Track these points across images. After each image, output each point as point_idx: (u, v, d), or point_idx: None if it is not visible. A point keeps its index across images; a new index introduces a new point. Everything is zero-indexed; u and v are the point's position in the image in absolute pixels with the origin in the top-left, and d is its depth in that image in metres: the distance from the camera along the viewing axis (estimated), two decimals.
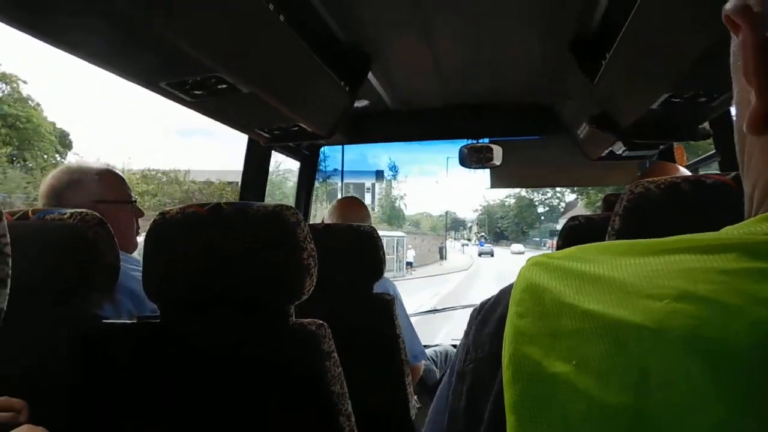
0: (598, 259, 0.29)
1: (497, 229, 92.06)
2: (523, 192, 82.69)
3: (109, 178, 1.56)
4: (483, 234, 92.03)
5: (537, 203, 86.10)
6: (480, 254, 52.77)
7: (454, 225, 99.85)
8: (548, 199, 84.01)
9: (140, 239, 1.57)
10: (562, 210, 76.51)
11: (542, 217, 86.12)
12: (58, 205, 1.42)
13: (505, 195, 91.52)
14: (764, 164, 0.32)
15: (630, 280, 0.27)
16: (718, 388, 0.22)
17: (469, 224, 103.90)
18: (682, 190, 0.76)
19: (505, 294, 0.39)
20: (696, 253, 0.27)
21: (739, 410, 0.22)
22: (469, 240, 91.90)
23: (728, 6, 0.32)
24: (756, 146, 0.32)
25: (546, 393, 0.27)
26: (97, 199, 1.49)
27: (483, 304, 0.42)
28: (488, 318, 0.39)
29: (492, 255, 52.60)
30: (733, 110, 0.35)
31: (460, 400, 0.38)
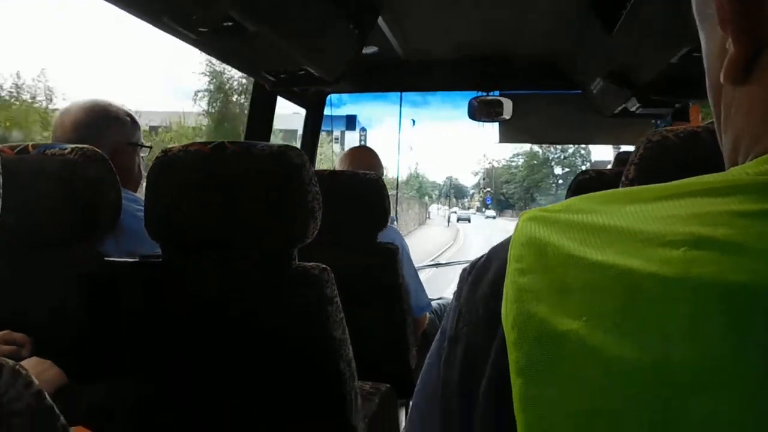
0: (601, 209, 0.28)
1: (502, 196, 75.07)
2: (536, 148, 63.11)
3: (134, 119, 1.55)
4: (484, 200, 77.99)
5: (553, 162, 67.48)
6: (458, 220, 51.49)
7: (454, 192, 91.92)
8: (568, 157, 65.21)
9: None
10: None
11: (560, 181, 65.98)
12: (89, 140, 1.35)
13: (513, 153, 73.51)
14: (746, 114, 0.30)
15: (640, 227, 0.25)
16: (751, 338, 0.21)
17: (471, 191, 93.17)
18: (702, 139, 0.73)
19: (497, 252, 0.37)
20: (709, 196, 0.25)
21: None
22: (469, 209, 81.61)
23: None
24: (735, 97, 0.31)
25: (556, 353, 0.25)
26: (129, 141, 1.48)
27: (474, 264, 0.39)
28: (481, 278, 0.37)
29: (469, 221, 51.95)
30: None
31: (453, 367, 0.36)
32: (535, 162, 69.69)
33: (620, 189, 0.28)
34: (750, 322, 0.21)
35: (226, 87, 20.29)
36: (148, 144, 1.61)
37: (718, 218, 0.23)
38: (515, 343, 0.27)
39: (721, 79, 0.29)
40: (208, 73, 19.95)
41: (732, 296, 0.21)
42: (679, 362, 0.22)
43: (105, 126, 1.44)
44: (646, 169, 0.76)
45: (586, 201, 0.29)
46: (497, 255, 0.36)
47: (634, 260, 0.24)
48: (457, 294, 0.39)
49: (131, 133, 1.51)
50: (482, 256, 0.39)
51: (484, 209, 72.86)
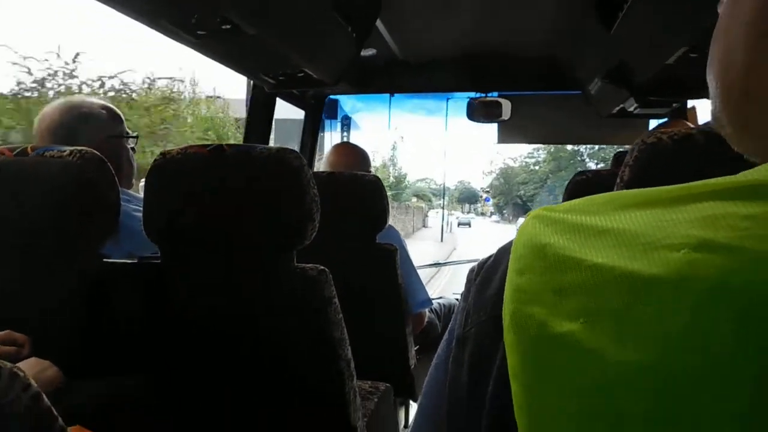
0: (604, 211, 0.28)
1: (518, 199, 63.00)
2: None
3: (113, 112, 1.54)
4: (496, 204, 69.95)
5: (586, 156, 50.15)
6: (459, 224, 49.12)
7: (465, 196, 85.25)
8: (605, 147, 43.59)
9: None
10: None
11: None
12: (66, 140, 1.37)
13: (533, 147, 56.45)
14: None
15: (642, 230, 0.25)
16: (749, 341, 0.21)
17: (482, 195, 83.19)
18: (696, 141, 0.74)
19: (505, 252, 0.37)
20: (714, 199, 0.25)
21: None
22: (482, 214, 76.05)
23: None
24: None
25: (553, 354, 0.25)
26: (108, 134, 1.47)
27: (482, 264, 0.39)
28: (489, 278, 0.37)
29: (469, 225, 49.25)
30: None
31: (461, 368, 0.36)
32: (563, 155, 53.99)
33: (625, 191, 0.28)
34: (749, 324, 0.21)
35: None
36: (133, 133, 1.60)
37: (720, 221, 0.23)
38: (512, 345, 0.28)
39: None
40: None
41: (732, 298, 0.21)
42: (679, 364, 0.22)
43: (79, 124, 1.44)
44: (641, 170, 0.76)
45: (590, 203, 0.29)
46: (504, 255, 0.36)
47: (636, 263, 0.24)
48: (465, 294, 0.39)
49: (109, 126, 1.50)
50: (490, 256, 0.39)
51: (492, 214, 68.88)
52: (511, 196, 65.83)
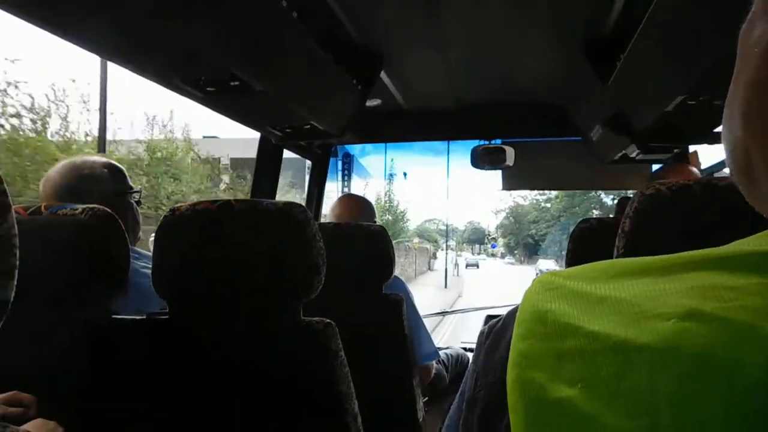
0: (603, 279, 0.29)
1: (530, 239, 59.65)
2: None
3: (115, 169, 1.58)
4: (506, 243, 67.34)
5: (602, 192, 41.14)
6: (467, 266, 46.80)
7: (476, 237, 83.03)
8: None
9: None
10: None
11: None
12: (70, 201, 1.42)
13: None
14: None
15: (637, 300, 0.26)
16: (732, 408, 0.21)
17: (493, 235, 79.16)
18: (693, 192, 0.75)
19: (512, 316, 0.38)
20: (705, 269, 0.26)
21: (755, 430, 0.21)
22: (492, 255, 72.57)
23: None
24: None
25: (552, 419, 0.26)
26: (108, 191, 1.50)
27: (491, 327, 0.40)
28: (498, 342, 0.38)
29: (477, 267, 47.66)
30: None
31: (471, 429, 0.37)
32: (576, 191, 46.22)
33: (625, 260, 0.29)
34: (734, 392, 0.21)
35: None
36: (135, 188, 1.62)
37: (709, 291, 0.24)
38: (514, 408, 0.28)
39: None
40: None
41: (717, 367, 0.22)
42: (667, 430, 0.22)
43: (81, 185, 1.47)
44: (641, 221, 0.77)
45: (591, 269, 0.30)
46: (512, 318, 0.37)
47: (630, 331, 0.25)
48: (475, 357, 0.40)
49: (111, 184, 1.53)
50: (498, 320, 0.40)
51: (503, 255, 66.49)
52: (522, 236, 62.38)
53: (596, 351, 0.26)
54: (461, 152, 2.77)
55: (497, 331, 0.39)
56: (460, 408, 0.40)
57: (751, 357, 0.22)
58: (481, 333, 0.41)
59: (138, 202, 1.64)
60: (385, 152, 2.98)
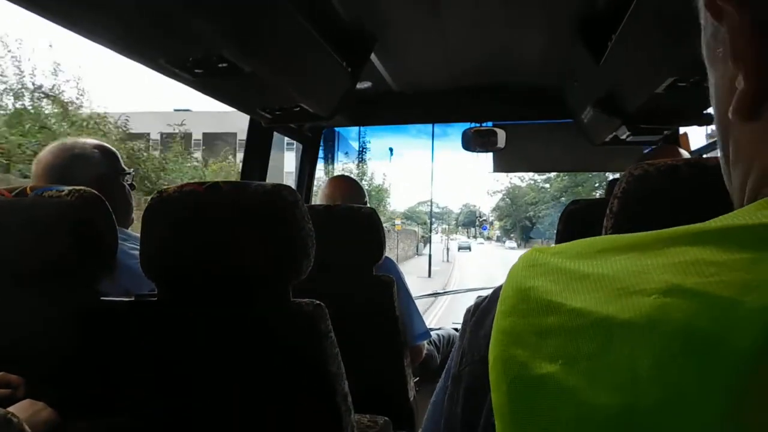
0: (587, 255, 0.29)
1: (527, 221, 56.59)
2: None
3: (107, 151, 1.57)
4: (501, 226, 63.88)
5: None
6: (459, 249, 47.14)
7: (470, 220, 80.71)
8: None
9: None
10: None
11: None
12: (60, 181, 1.41)
13: None
14: (756, 151, 0.31)
15: (620, 276, 0.26)
16: (713, 383, 0.21)
17: (485, 217, 76.43)
18: (681, 172, 0.75)
19: (498, 293, 0.38)
20: (687, 244, 0.26)
21: (737, 405, 0.21)
22: (488, 238, 70.86)
23: None
24: (744, 133, 0.31)
25: (534, 395, 0.26)
26: (100, 173, 1.49)
27: (477, 305, 0.41)
28: (483, 319, 0.38)
29: (469, 249, 47.41)
30: None
31: (456, 405, 0.37)
32: None
33: (609, 236, 0.29)
34: (713, 366, 0.22)
35: None
36: (129, 170, 1.62)
37: (690, 267, 0.24)
38: (496, 385, 0.28)
39: (730, 115, 0.30)
40: None
41: (696, 342, 0.22)
42: (647, 406, 0.22)
43: (69, 166, 1.48)
44: (629, 202, 0.77)
45: (576, 246, 0.30)
46: (498, 296, 0.38)
47: (611, 307, 0.25)
48: (461, 334, 0.40)
49: (102, 165, 1.52)
50: (485, 298, 0.40)
51: (505, 239, 63.07)
52: (519, 218, 59.54)
53: (578, 327, 0.26)
54: (455, 135, 2.76)
55: (483, 309, 0.40)
56: (446, 384, 0.40)
57: (733, 332, 0.22)
58: (468, 310, 0.42)
59: (132, 185, 1.63)
60: (366, 133, 2.95)
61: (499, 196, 64.46)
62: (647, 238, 0.28)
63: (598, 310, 0.25)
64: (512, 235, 61.93)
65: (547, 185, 51.13)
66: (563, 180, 46.28)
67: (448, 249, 35.40)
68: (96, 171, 1.49)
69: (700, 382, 0.22)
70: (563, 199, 42.46)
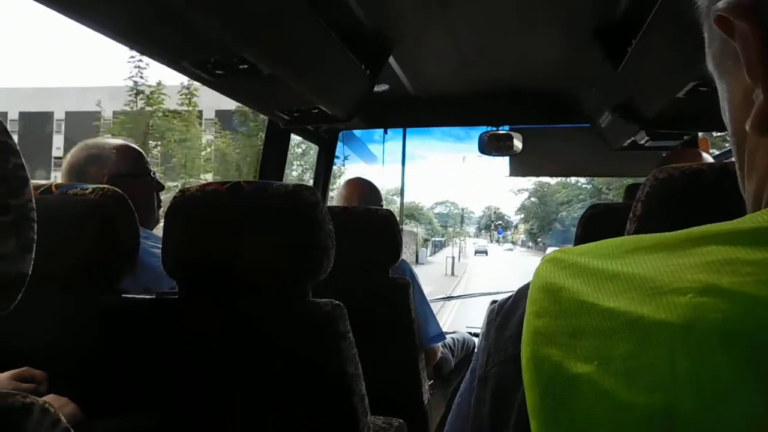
0: (615, 255, 0.29)
1: (558, 225, 49.85)
2: None
3: (126, 151, 1.58)
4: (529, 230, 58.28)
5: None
6: (476, 253, 45.97)
7: (491, 222, 76.46)
8: None
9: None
10: None
11: None
12: (77, 180, 1.45)
13: None
14: None
15: (651, 275, 0.26)
16: (752, 383, 0.21)
17: (501, 220, 72.74)
18: (706, 176, 0.75)
19: (523, 293, 0.37)
20: (719, 244, 0.26)
21: None
22: (513, 243, 65.41)
23: (721, 5, 0.30)
24: (761, 146, 0.31)
25: (568, 395, 0.26)
26: (114, 173, 1.51)
27: (501, 305, 0.41)
28: (508, 319, 0.38)
29: (486, 254, 45.30)
30: None
31: (483, 406, 0.37)
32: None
33: (636, 236, 0.29)
34: (752, 367, 0.22)
35: None
36: (152, 170, 1.63)
37: (724, 266, 0.24)
38: (530, 385, 0.28)
39: (748, 128, 0.30)
40: None
41: (735, 342, 0.22)
42: (685, 406, 0.22)
43: (84, 165, 1.52)
44: (653, 206, 0.77)
45: (602, 246, 0.30)
46: (522, 296, 0.37)
47: (645, 307, 0.25)
48: (486, 334, 0.40)
49: (116, 165, 1.54)
50: (509, 297, 0.40)
51: (524, 243, 58.58)
52: (548, 221, 53.92)
53: (612, 328, 0.26)
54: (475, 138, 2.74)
55: (507, 309, 0.40)
56: (471, 385, 0.40)
57: None
58: (491, 310, 0.41)
59: (158, 186, 1.64)
60: (389, 137, 2.96)
61: (525, 194, 58.84)
62: (675, 238, 0.28)
63: (632, 310, 0.25)
64: (539, 240, 56.35)
65: (582, 181, 44.56)
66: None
67: (453, 258, 27.41)
68: (109, 171, 1.51)
69: (738, 382, 0.22)
70: (611, 193, 32.60)
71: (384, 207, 2.13)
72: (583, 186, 44.17)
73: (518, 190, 60.47)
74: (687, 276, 0.25)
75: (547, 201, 54.56)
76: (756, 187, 0.32)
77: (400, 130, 2.93)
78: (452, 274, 24.18)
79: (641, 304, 0.25)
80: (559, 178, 46.83)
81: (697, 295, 0.24)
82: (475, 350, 0.42)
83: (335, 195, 2.37)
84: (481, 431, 0.37)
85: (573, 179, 45.50)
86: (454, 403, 0.43)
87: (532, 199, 57.70)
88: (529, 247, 59.02)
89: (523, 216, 61.62)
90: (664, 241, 0.28)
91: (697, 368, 0.23)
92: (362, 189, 2.26)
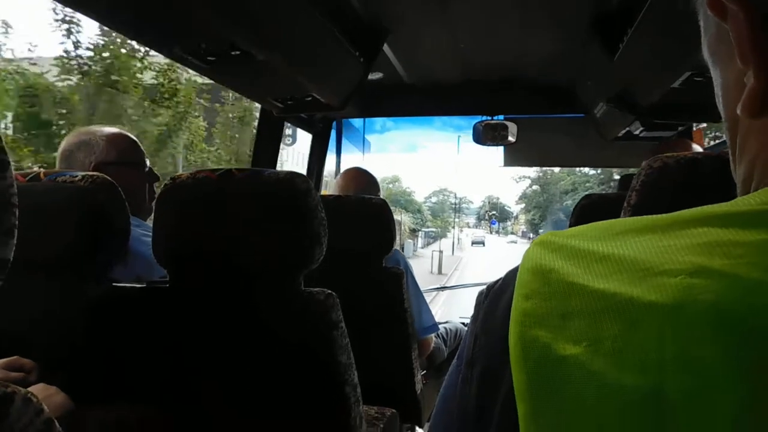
0: (606, 237, 0.29)
1: (560, 215, 45.33)
2: None
3: (118, 140, 1.56)
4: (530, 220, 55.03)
5: None
6: (473, 243, 45.98)
7: (492, 212, 75.31)
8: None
9: None
10: None
11: None
12: (69, 167, 1.44)
13: None
14: (762, 145, 0.31)
15: (641, 257, 0.26)
16: (741, 365, 0.21)
17: (514, 213, 69.52)
18: (701, 165, 0.74)
19: (512, 276, 0.37)
20: (710, 226, 0.26)
21: (765, 387, 0.21)
22: (512, 233, 63.63)
23: None
24: (752, 129, 0.31)
25: (557, 376, 0.26)
26: (101, 161, 1.50)
27: (490, 287, 0.40)
28: (497, 302, 0.38)
29: (483, 244, 45.27)
30: None
31: (470, 387, 0.37)
32: None
33: (626, 218, 0.29)
34: (741, 348, 0.21)
35: None
36: (145, 161, 1.61)
37: (716, 248, 0.24)
38: (518, 366, 0.28)
39: (739, 111, 0.30)
40: None
41: (725, 324, 0.22)
42: (675, 388, 0.22)
43: (73, 151, 1.52)
44: (648, 194, 0.77)
45: (592, 228, 0.30)
46: (512, 279, 0.37)
47: (635, 289, 0.25)
48: (474, 317, 0.40)
49: (103, 153, 1.53)
50: (498, 280, 0.40)
51: (532, 235, 54.65)
52: (551, 210, 50.52)
53: (602, 309, 0.25)
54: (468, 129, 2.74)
55: (496, 291, 0.39)
56: (459, 368, 0.40)
57: (763, 313, 0.21)
58: (480, 293, 0.41)
59: (153, 176, 1.62)
60: (387, 126, 2.96)
61: (527, 182, 56.07)
62: (666, 220, 0.28)
63: (622, 292, 0.25)
64: (540, 230, 49.74)
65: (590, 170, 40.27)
66: None
67: (441, 252, 24.33)
68: (96, 158, 1.51)
69: (727, 363, 0.22)
70: (614, 183, 28.00)
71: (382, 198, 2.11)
72: (591, 173, 41.33)
73: (519, 177, 57.98)
74: (678, 257, 0.25)
75: (550, 189, 52.32)
76: (745, 170, 0.32)
77: (399, 120, 2.92)
78: (439, 272, 22.04)
79: (631, 286, 0.25)
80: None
81: (688, 277, 0.24)
82: (464, 335, 0.42)
83: (333, 185, 2.36)
84: (467, 413, 0.37)
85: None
86: (443, 385, 0.42)
87: (534, 187, 55.37)
88: (529, 238, 56.32)
89: (524, 206, 59.85)
90: (654, 223, 0.28)
91: (686, 351, 0.22)
92: (360, 180, 2.25)
